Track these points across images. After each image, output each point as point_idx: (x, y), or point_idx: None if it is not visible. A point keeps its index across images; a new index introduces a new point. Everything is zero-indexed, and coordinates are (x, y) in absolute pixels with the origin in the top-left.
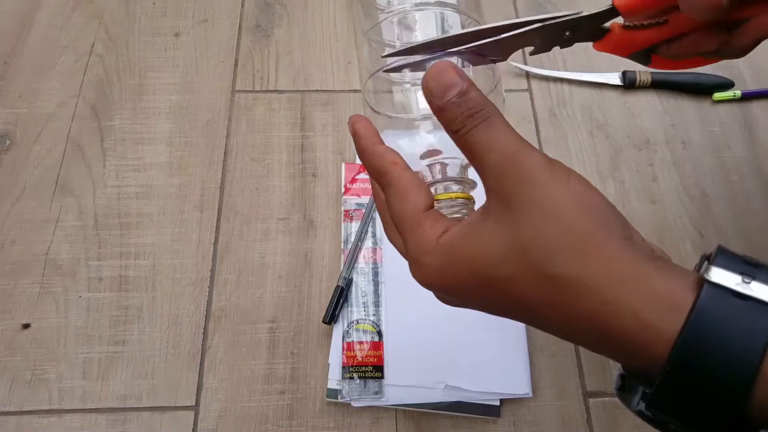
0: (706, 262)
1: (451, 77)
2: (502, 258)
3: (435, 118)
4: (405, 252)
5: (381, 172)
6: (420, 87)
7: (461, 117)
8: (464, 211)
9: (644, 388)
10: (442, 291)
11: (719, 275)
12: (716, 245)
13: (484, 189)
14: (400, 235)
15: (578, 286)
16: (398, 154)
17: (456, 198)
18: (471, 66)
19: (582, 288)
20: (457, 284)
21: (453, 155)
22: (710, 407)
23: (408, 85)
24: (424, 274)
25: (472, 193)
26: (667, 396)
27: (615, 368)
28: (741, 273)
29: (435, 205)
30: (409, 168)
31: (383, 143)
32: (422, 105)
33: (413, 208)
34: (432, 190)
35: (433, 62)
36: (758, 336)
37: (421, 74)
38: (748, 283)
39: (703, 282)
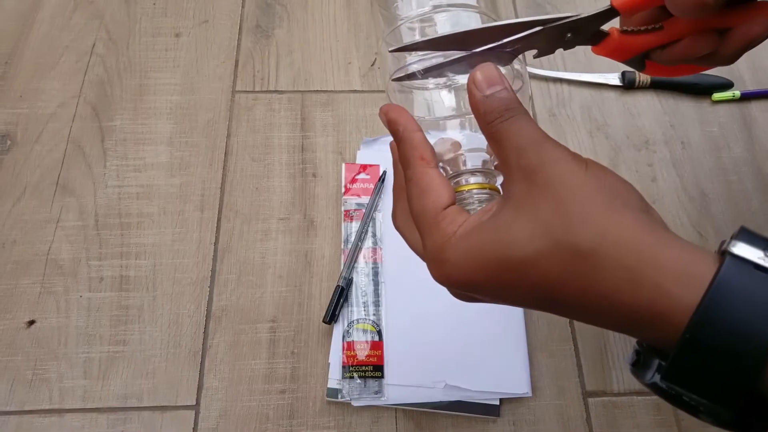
0: (729, 239)
1: (494, 75)
2: (525, 238)
3: (458, 118)
4: (422, 249)
5: (407, 163)
6: (443, 88)
7: (498, 109)
8: (492, 201)
9: (660, 361)
10: (461, 286)
11: (742, 249)
12: (740, 226)
13: (505, 176)
14: (418, 231)
15: (599, 258)
16: (430, 149)
17: (482, 188)
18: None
19: (603, 260)
20: (477, 276)
21: (477, 146)
22: (725, 379)
23: (431, 86)
24: (443, 271)
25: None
26: (683, 367)
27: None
28: (764, 249)
29: (460, 196)
30: (435, 166)
31: (421, 131)
32: (447, 104)
33: (433, 206)
34: (458, 181)
35: (436, 68)
36: None
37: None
38: None
39: (725, 255)
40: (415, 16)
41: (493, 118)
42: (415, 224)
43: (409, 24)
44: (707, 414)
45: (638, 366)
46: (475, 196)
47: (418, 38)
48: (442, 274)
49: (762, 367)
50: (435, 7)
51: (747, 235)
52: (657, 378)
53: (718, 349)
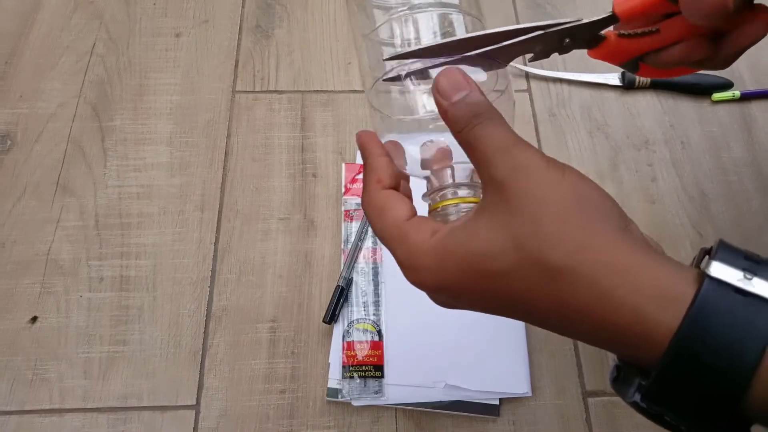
0: (706, 257)
1: (459, 80)
2: (498, 251)
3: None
4: (398, 263)
5: (364, 186)
6: (426, 90)
7: (466, 117)
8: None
9: (640, 379)
10: (437, 291)
11: (720, 270)
12: (717, 239)
13: (482, 185)
14: (387, 248)
15: (575, 276)
16: (390, 174)
17: (466, 202)
18: (483, 70)
19: (578, 279)
20: (453, 283)
21: (462, 159)
22: (706, 402)
23: (413, 87)
24: (419, 278)
25: None
26: (664, 389)
27: (611, 359)
28: (743, 269)
29: (444, 210)
30: (391, 187)
31: (386, 156)
32: (429, 106)
33: (394, 221)
34: (441, 194)
35: (437, 69)
36: (758, 333)
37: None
38: (750, 279)
39: (703, 276)
40: (395, 16)
41: (461, 126)
42: (383, 242)
43: (390, 22)
44: None
45: (619, 382)
46: (462, 211)
47: (400, 42)
48: (417, 280)
49: (743, 392)
50: (414, 6)
51: (725, 253)
52: (638, 397)
53: (699, 374)
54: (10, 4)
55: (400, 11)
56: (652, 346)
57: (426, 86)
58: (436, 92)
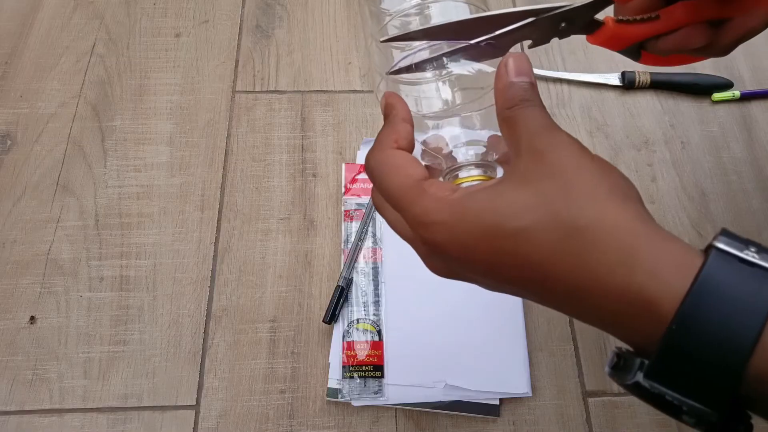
0: (712, 238)
1: (526, 67)
2: (522, 208)
3: (454, 111)
4: (406, 222)
5: (380, 144)
6: (434, 85)
7: (521, 97)
8: None
9: (642, 359)
10: (449, 251)
11: (726, 244)
12: (720, 228)
13: (513, 157)
14: (398, 210)
15: (596, 236)
16: (409, 141)
17: (485, 179)
18: (486, 56)
19: (599, 239)
20: (466, 240)
21: (476, 139)
22: (709, 374)
23: (431, 79)
24: (430, 234)
25: None
26: (668, 362)
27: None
28: (746, 245)
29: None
30: (403, 149)
31: (410, 124)
32: (442, 98)
33: (411, 178)
34: (457, 174)
35: (433, 60)
36: (761, 302)
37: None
38: (754, 252)
39: (710, 249)
40: (404, 11)
41: (513, 103)
42: (395, 201)
43: (399, 17)
44: (690, 415)
45: (618, 368)
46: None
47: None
48: (428, 237)
49: (744, 362)
50: (423, 0)
51: (729, 235)
52: (639, 376)
53: (703, 344)
54: (10, 4)
55: (408, 6)
56: (661, 314)
57: (435, 77)
58: (504, 66)
